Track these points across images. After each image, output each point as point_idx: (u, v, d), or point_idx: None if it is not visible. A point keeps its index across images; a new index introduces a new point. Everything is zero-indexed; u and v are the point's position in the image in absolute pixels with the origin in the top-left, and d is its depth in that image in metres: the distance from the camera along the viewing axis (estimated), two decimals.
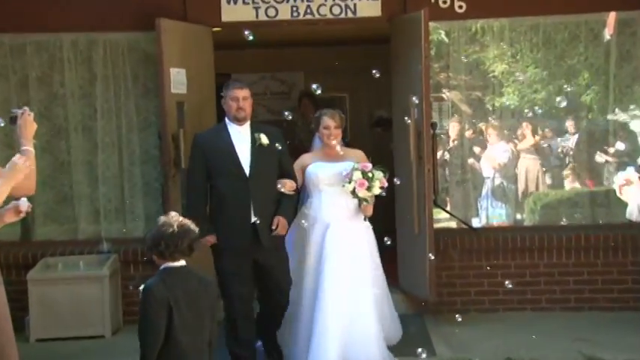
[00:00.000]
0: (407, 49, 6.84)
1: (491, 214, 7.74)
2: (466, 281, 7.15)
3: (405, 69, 6.89)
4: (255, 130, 5.64)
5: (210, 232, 5.50)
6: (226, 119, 5.66)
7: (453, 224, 7.53)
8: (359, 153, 6.03)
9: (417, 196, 6.73)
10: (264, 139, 5.58)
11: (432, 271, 6.66)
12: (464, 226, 7.34)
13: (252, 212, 5.49)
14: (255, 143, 5.58)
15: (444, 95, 7.74)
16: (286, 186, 5.60)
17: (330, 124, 5.89)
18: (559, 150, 7.80)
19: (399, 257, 7.12)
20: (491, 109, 7.52)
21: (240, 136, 5.59)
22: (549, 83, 7.36)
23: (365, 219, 5.86)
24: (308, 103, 9.43)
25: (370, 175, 5.63)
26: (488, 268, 7.13)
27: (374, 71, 5.65)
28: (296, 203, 5.98)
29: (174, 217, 3.98)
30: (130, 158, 7.45)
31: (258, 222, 5.49)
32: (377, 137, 9.87)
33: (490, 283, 7.14)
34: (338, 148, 5.91)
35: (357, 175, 5.63)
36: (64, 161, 7.41)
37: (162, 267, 3.96)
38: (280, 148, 5.63)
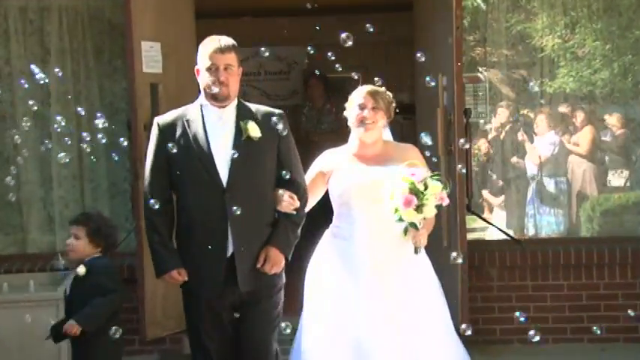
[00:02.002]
0: (434, 17, 6.80)
1: (538, 222, 7.70)
2: (507, 305, 7.10)
3: (431, 42, 6.87)
4: (242, 114, 4.69)
5: (175, 265, 4.66)
6: (200, 97, 4.76)
7: (492, 235, 7.51)
8: (411, 150, 5.04)
9: None
10: (254, 130, 4.61)
11: (465, 292, 6.64)
12: (505, 237, 7.31)
13: (229, 241, 4.58)
14: (240, 135, 4.63)
15: (480, 75, 7.70)
16: (282, 203, 4.66)
17: (367, 102, 4.92)
18: (624, 144, 7.73)
19: None
20: (539, 92, 7.49)
21: (219, 125, 4.66)
22: (612, 60, 7.37)
23: (417, 250, 4.78)
24: (316, 84, 9.35)
25: (422, 187, 4.59)
26: (534, 289, 7.09)
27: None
28: (300, 226, 4.92)
29: None
30: (92, 153, 7.40)
31: (237, 255, 4.59)
32: (397, 127, 9.79)
33: (537, 307, 7.10)
34: (376, 141, 4.96)
35: (402, 186, 4.60)
36: (10, 156, 7.39)
37: None
38: (280, 136, 4.70)
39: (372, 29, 5.17)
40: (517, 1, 7.36)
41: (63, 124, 7.22)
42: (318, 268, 5.01)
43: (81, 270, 5.07)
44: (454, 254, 5.30)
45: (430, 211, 4.60)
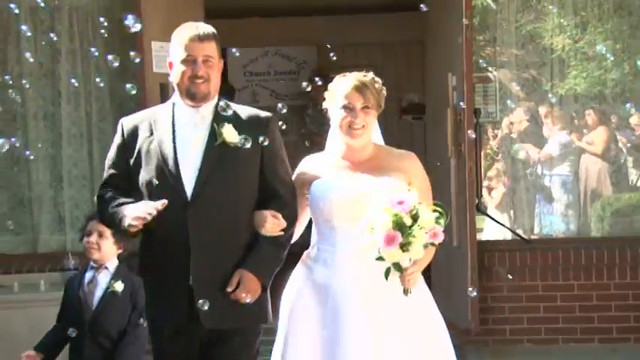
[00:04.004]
0: (444, 17, 6.78)
1: (548, 222, 7.66)
2: (517, 305, 7.10)
3: (441, 42, 6.86)
4: (220, 116, 3.94)
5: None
6: (174, 96, 4.03)
7: (501, 235, 7.48)
8: (408, 159, 4.14)
9: (456, 201, 6.66)
10: (231, 135, 3.86)
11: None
12: (514, 237, 7.31)
13: (190, 264, 3.83)
14: (214, 140, 3.89)
15: (490, 75, 7.68)
16: (265, 225, 3.86)
17: (355, 99, 3.98)
18: (635, 143, 7.69)
19: (434, 275, 7.04)
20: (549, 92, 7.46)
21: (191, 126, 3.93)
22: (623, 60, 7.33)
23: (406, 292, 3.85)
24: (320, 85, 9.36)
25: (409, 220, 3.67)
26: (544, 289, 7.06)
27: None
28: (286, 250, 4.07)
29: None
30: (102, 153, 7.35)
31: (195, 283, 3.83)
32: (406, 127, 9.80)
33: (547, 308, 7.08)
34: (366, 144, 4.09)
35: (383, 220, 3.67)
36: (21, 157, 7.39)
37: None
38: (264, 146, 3.93)
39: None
40: (527, 0, 7.34)
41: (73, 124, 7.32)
42: (292, 301, 4.12)
43: (119, 287, 4.82)
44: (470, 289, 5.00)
45: (417, 252, 3.66)
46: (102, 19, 7.30)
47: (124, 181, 3.97)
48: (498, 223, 7.38)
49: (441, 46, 6.91)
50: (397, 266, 3.73)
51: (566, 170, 7.68)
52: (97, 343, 4.85)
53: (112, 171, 4.01)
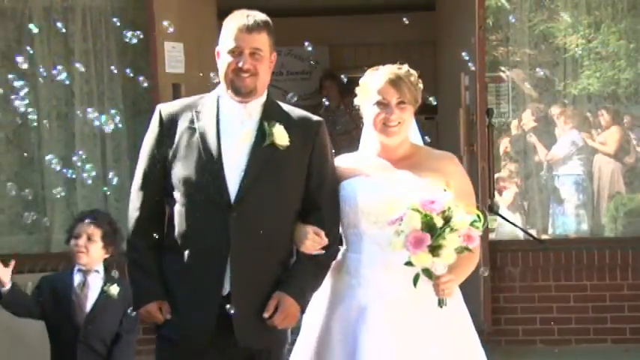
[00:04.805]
0: (457, 17, 6.77)
1: (561, 222, 7.65)
2: (530, 306, 7.10)
3: (454, 42, 6.83)
4: (269, 114, 3.64)
5: (155, 296, 3.61)
6: (219, 87, 3.73)
7: (514, 235, 7.47)
8: (448, 160, 3.84)
9: None
10: (281, 137, 3.57)
11: (487, 292, 6.71)
12: (527, 237, 7.29)
13: (226, 275, 3.51)
14: (262, 140, 3.58)
15: (502, 75, 7.66)
16: (306, 242, 3.58)
17: (390, 94, 3.70)
18: None
19: None
20: (562, 91, 7.45)
21: (238, 123, 3.62)
22: (637, 60, 7.31)
23: (440, 303, 3.51)
24: (331, 85, 9.37)
25: (439, 220, 3.35)
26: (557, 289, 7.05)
27: None
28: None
29: None
30: (115, 153, 7.46)
31: (235, 296, 3.51)
32: (419, 127, 9.76)
33: (560, 308, 7.07)
34: (402, 142, 3.79)
35: (413, 219, 3.36)
36: (34, 157, 7.42)
37: None
38: (314, 148, 3.67)
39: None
40: (540, 0, 7.34)
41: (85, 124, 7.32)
42: (316, 311, 3.82)
43: (114, 290, 4.64)
44: (481, 269, 4.47)
45: (448, 257, 3.35)
46: (115, 20, 7.34)
47: (156, 189, 3.63)
48: (511, 223, 7.38)
49: (453, 46, 6.91)
50: (427, 272, 3.43)
51: (579, 170, 7.67)
52: (90, 347, 4.68)
53: (143, 178, 3.65)
